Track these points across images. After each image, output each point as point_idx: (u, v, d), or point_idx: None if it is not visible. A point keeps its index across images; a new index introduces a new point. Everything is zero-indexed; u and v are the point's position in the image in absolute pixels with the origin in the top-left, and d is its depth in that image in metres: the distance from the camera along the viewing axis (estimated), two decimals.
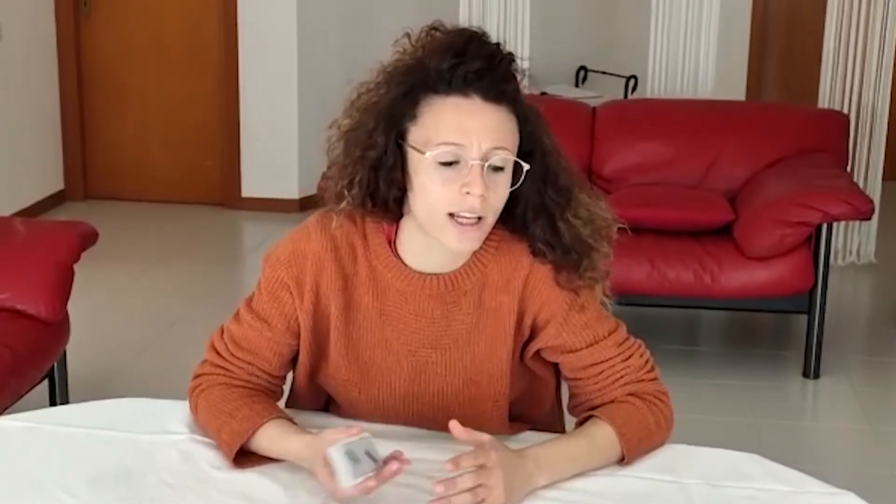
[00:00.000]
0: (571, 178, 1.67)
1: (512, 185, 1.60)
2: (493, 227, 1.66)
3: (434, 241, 1.61)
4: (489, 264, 1.67)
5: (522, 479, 1.53)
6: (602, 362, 1.68)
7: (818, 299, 3.89)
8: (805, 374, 3.99)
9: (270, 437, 1.62)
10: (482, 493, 1.47)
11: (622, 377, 1.68)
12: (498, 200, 1.58)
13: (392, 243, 1.68)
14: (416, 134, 1.58)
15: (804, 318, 3.97)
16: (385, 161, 1.60)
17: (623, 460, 1.63)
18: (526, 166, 1.59)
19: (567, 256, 1.65)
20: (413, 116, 1.58)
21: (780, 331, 4.58)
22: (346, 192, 1.63)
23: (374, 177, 1.61)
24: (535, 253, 1.66)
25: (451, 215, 1.56)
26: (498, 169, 1.57)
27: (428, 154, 1.56)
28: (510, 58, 1.60)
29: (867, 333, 4.62)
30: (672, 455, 1.68)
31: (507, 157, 1.57)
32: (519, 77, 1.62)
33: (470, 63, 1.55)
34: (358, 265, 1.68)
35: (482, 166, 1.54)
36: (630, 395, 1.68)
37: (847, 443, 3.62)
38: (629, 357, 1.69)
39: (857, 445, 3.59)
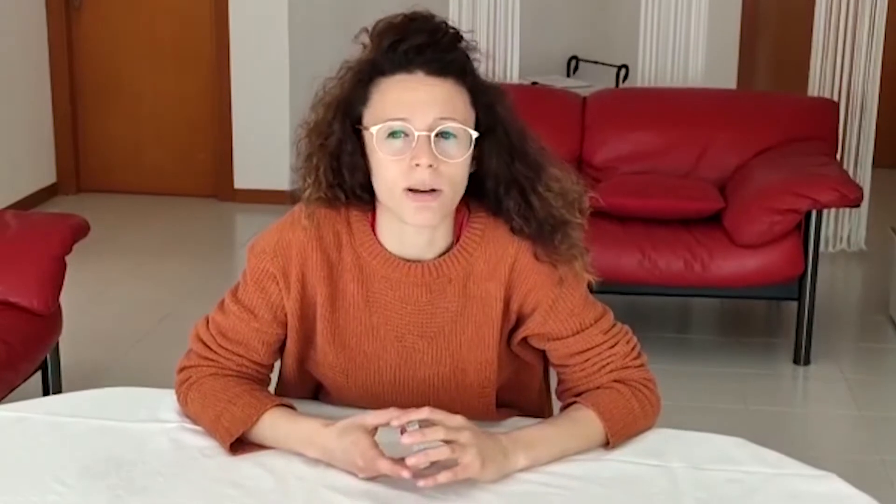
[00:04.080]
0: (540, 152, 1.68)
1: (476, 160, 1.62)
2: (477, 215, 1.68)
3: (407, 226, 1.64)
4: (475, 252, 1.68)
5: (498, 456, 1.54)
6: (588, 350, 1.70)
7: (808, 287, 3.91)
8: (795, 361, 4.01)
9: (274, 424, 1.63)
10: (459, 473, 1.49)
11: (608, 364, 1.70)
12: (453, 171, 1.59)
13: (373, 230, 1.69)
14: (367, 116, 1.62)
15: (794, 305, 3.99)
16: (344, 148, 1.63)
17: (607, 445, 1.64)
18: (475, 134, 1.59)
19: (542, 229, 1.66)
20: (365, 100, 1.62)
21: (770, 318, 4.60)
22: (313, 184, 1.65)
23: (336, 165, 1.64)
24: (513, 230, 1.67)
25: (409, 190, 1.58)
26: (449, 138, 1.58)
27: (373, 129, 1.59)
28: (455, 32, 1.62)
29: (857, 320, 4.65)
30: (658, 439, 1.69)
31: (455, 126, 1.58)
32: (471, 54, 1.63)
33: (411, 39, 1.58)
34: (343, 253, 1.69)
35: (428, 137, 1.56)
36: (615, 381, 1.69)
37: (837, 428, 3.64)
38: (615, 344, 1.71)
39: (846, 431, 3.61)
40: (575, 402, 1.68)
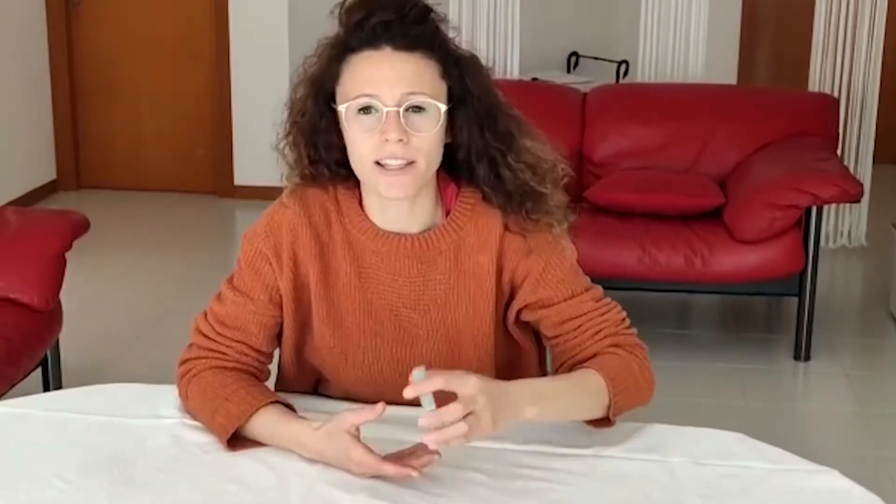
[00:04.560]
0: (513, 123, 1.69)
1: (450, 131, 1.64)
2: (468, 189, 1.70)
3: (387, 199, 1.65)
4: (465, 225, 1.70)
5: (508, 409, 1.49)
6: (581, 315, 1.70)
7: (808, 282, 3.91)
8: (796, 357, 4.01)
9: (268, 421, 1.63)
10: (471, 436, 1.42)
11: (601, 330, 1.70)
12: (424, 144, 1.60)
13: (361, 207, 1.71)
14: (339, 93, 1.64)
15: (795, 301, 3.99)
16: (319, 126, 1.66)
17: (609, 410, 1.62)
18: (443, 107, 1.61)
19: (511, 200, 1.68)
20: (336, 77, 1.64)
21: (770, 314, 4.61)
22: (295, 161, 1.69)
23: (312, 142, 1.67)
24: (485, 198, 1.69)
25: (379, 164, 1.60)
26: (419, 112, 1.59)
27: (341, 107, 1.61)
28: (423, 5, 1.63)
29: (857, 316, 4.65)
30: (657, 434, 1.69)
31: (424, 100, 1.59)
32: (442, 25, 1.64)
33: (378, 15, 1.60)
34: (332, 230, 1.71)
35: (397, 112, 1.58)
36: (612, 346, 1.69)
37: (837, 424, 3.65)
38: (607, 311, 1.71)
39: (846, 427, 3.62)
40: (579, 369, 1.66)
